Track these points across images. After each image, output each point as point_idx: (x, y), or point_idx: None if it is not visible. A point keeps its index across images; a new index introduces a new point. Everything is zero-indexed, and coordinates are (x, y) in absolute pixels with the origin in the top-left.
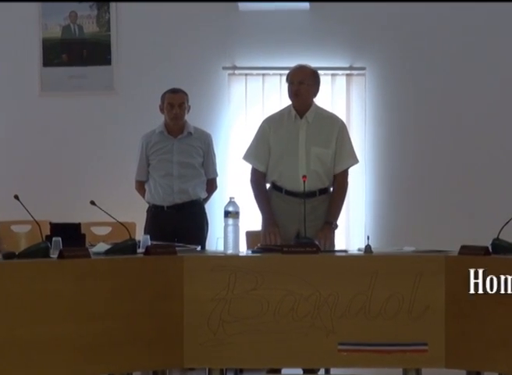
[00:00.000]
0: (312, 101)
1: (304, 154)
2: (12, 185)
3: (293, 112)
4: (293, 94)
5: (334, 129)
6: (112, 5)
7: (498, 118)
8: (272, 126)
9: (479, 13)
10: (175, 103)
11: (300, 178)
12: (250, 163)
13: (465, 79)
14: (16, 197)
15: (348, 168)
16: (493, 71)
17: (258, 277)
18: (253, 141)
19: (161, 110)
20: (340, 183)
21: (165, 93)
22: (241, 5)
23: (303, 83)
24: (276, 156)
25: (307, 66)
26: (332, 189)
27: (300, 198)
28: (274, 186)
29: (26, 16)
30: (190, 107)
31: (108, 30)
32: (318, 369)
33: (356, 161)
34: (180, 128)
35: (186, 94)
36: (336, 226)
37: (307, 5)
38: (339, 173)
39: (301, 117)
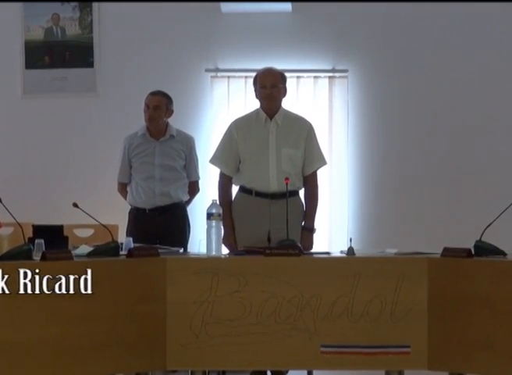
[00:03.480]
0: (281, 103)
1: (274, 155)
2: None
3: (263, 115)
4: (266, 97)
5: (303, 130)
6: (95, 7)
7: (483, 120)
8: (239, 129)
9: (463, 14)
10: (150, 105)
11: (270, 179)
12: (217, 167)
13: (449, 80)
14: None
15: (317, 170)
16: (479, 72)
17: (241, 279)
18: (220, 145)
19: (145, 113)
20: (311, 185)
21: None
22: (224, 7)
23: (275, 86)
24: (245, 159)
25: (274, 68)
26: (304, 192)
27: (269, 199)
28: (243, 189)
29: (9, 18)
30: (172, 111)
31: (91, 32)
32: (287, 372)
33: (324, 163)
34: (161, 130)
35: (166, 98)
36: (315, 231)
37: (289, 7)
38: (309, 174)
39: (270, 119)
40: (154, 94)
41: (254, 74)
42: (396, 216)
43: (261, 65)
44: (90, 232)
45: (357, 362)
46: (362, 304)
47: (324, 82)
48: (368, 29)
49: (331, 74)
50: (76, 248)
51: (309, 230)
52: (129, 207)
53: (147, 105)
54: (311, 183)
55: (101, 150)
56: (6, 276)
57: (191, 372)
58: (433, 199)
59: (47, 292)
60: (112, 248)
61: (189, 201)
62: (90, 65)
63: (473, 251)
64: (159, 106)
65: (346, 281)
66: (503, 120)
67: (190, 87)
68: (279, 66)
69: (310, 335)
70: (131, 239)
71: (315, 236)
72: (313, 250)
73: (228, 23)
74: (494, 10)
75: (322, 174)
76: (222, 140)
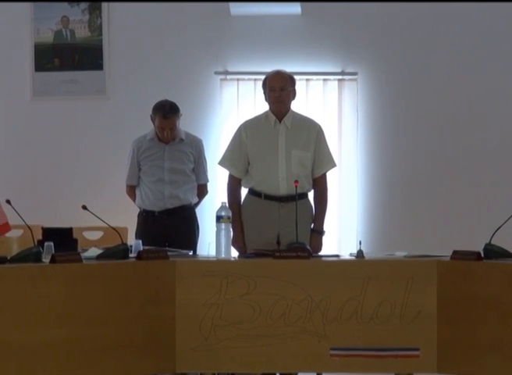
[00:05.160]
0: (290, 105)
1: (284, 157)
2: (3, 190)
3: (272, 117)
4: (275, 100)
5: (312, 132)
6: (104, 9)
7: (491, 123)
8: (248, 131)
9: (473, 17)
10: (166, 128)
11: (280, 181)
12: (226, 169)
13: (458, 83)
14: (8, 201)
15: (327, 172)
16: (488, 75)
17: (250, 282)
18: (229, 147)
19: (153, 121)
20: (321, 188)
21: (157, 110)
22: (233, 9)
23: (285, 89)
24: (254, 162)
25: (283, 71)
26: (313, 195)
27: (278, 202)
28: (252, 191)
29: (18, 20)
30: (181, 115)
31: (100, 34)
32: (296, 374)
33: (334, 165)
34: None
35: (177, 112)
36: (324, 233)
37: (298, 9)
38: (319, 177)
39: (280, 122)
40: (166, 117)
41: (263, 77)
42: (405, 219)
43: (270, 67)
44: (99, 234)
45: (367, 364)
46: (371, 307)
47: (333, 85)
48: (378, 31)
49: (340, 77)
50: (85, 250)
51: (318, 232)
52: (138, 209)
53: (162, 128)
54: (320, 186)
55: (111, 152)
56: (16, 279)
57: (200, 374)
58: (443, 202)
59: (56, 295)
60: (122, 251)
61: (197, 204)
62: (100, 67)
63: (482, 254)
64: (175, 126)
65: (356, 284)
66: None
67: (199, 90)
68: (288, 68)
69: (319, 338)
70: (140, 241)
71: (324, 238)
72: (322, 253)
73: (237, 26)
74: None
75: (332, 176)
76: (231, 142)
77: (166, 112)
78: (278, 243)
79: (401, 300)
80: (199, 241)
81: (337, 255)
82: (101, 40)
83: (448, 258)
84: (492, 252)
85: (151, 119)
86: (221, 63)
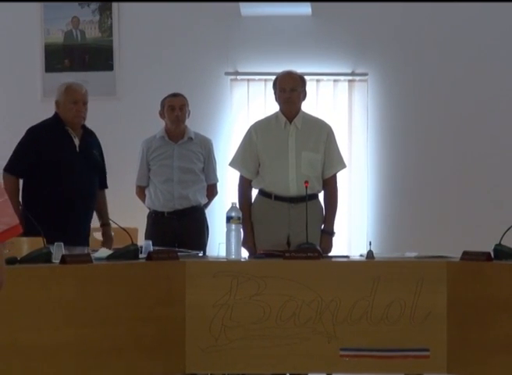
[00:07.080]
0: (300, 106)
1: (294, 158)
2: None
3: (283, 118)
4: (285, 101)
5: (322, 133)
6: (114, 10)
7: (501, 124)
8: (259, 132)
9: (482, 19)
10: (176, 105)
11: (290, 182)
12: (237, 170)
13: (469, 84)
14: (18, 203)
15: (337, 173)
16: (500, 75)
17: (260, 283)
18: (239, 148)
19: (161, 115)
20: (331, 188)
21: (164, 98)
22: (243, 10)
23: (295, 90)
24: (265, 162)
25: (294, 71)
26: (323, 196)
27: (289, 203)
28: (262, 192)
29: (29, 21)
30: (189, 112)
31: (111, 35)
32: None
33: (344, 166)
34: (181, 133)
35: (186, 99)
36: (334, 234)
37: (309, 10)
38: (329, 177)
39: (290, 123)
40: (175, 95)
41: (273, 77)
42: (415, 220)
43: (280, 68)
44: None
45: (377, 365)
46: (381, 307)
47: (343, 85)
48: (388, 32)
49: (350, 78)
50: (95, 251)
51: (328, 233)
52: (148, 210)
53: (171, 107)
54: (330, 187)
55: (121, 153)
56: (26, 280)
57: None
58: (453, 203)
59: (66, 295)
60: (132, 251)
61: (207, 204)
62: (110, 68)
63: (492, 255)
64: (184, 106)
65: (366, 285)
66: None
67: (209, 91)
68: (298, 69)
69: (329, 338)
70: (150, 242)
71: (335, 239)
72: (332, 253)
73: (248, 27)
74: None
75: (342, 177)
76: (242, 143)
77: (174, 93)
78: (288, 244)
79: (411, 301)
80: (209, 242)
81: (347, 256)
82: (112, 40)
83: (458, 259)
84: (502, 253)
85: (160, 114)
86: (231, 64)
